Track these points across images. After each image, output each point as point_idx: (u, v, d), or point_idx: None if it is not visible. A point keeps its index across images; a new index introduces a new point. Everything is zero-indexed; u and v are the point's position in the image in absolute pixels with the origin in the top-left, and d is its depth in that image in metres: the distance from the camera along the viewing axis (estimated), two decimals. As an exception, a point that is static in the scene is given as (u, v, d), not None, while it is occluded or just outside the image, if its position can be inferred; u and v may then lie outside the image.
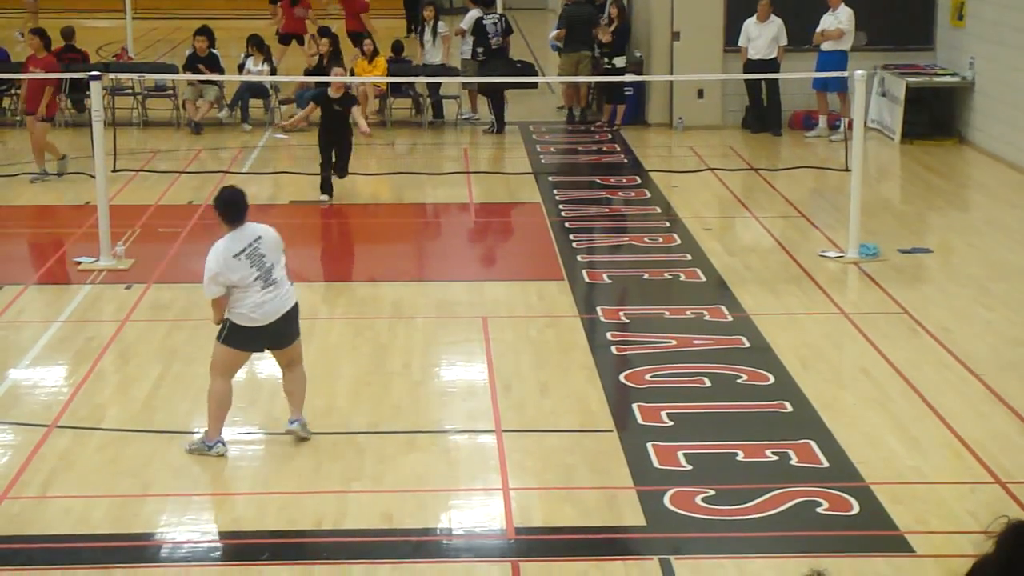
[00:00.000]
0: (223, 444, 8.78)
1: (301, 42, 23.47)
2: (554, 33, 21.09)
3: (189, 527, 7.90)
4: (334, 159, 15.74)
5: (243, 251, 8.64)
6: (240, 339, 8.74)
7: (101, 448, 8.95)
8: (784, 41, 19.21)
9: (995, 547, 4.01)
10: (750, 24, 19.31)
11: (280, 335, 8.84)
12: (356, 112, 15.72)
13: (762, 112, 19.66)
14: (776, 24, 19.21)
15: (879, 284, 12.50)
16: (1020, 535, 4.03)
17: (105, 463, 8.72)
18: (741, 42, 19.39)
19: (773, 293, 12.29)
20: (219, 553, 7.69)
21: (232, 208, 8.75)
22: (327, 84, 15.67)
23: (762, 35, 19.24)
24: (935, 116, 19.01)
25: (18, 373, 10.44)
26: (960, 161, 18.09)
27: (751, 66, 19.12)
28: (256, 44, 20.38)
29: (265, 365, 10.70)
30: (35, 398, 9.98)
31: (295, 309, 8.87)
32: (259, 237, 8.74)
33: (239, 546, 7.74)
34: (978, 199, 16.58)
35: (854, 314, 11.67)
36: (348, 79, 16.79)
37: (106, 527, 7.87)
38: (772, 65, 19.02)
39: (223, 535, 7.87)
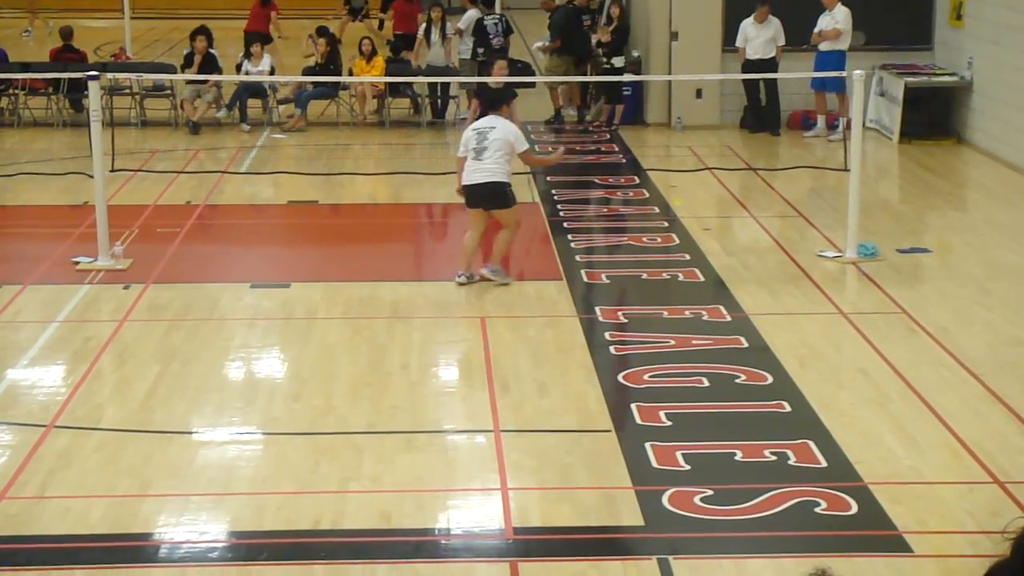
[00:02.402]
0: (460, 275, 12.23)
1: (266, 41, 23.17)
2: (542, 44, 20.80)
3: (187, 527, 7.89)
4: None
5: (478, 129, 12.18)
6: (466, 196, 12.26)
7: (99, 448, 8.94)
8: (782, 41, 19.20)
9: (1012, 550, 3.96)
10: (747, 25, 19.30)
11: (482, 199, 12.16)
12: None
13: (760, 112, 19.65)
14: (774, 24, 19.19)
15: (877, 284, 12.50)
16: None
17: (103, 463, 8.70)
18: (739, 43, 19.37)
19: (771, 293, 12.28)
20: (217, 553, 7.66)
21: (487, 101, 12.71)
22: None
23: (760, 35, 19.22)
24: (933, 116, 19.00)
25: (16, 373, 10.43)
26: (958, 161, 18.08)
27: (749, 66, 19.10)
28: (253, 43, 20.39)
29: (262, 365, 10.73)
30: (33, 398, 9.96)
31: (494, 186, 12.04)
32: (495, 127, 12.08)
33: (237, 546, 7.72)
34: (976, 199, 16.57)
35: (852, 314, 11.66)
36: (506, 78, 16.30)
37: (104, 527, 7.85)
38: (770, 65, 19.01)
39: (221, 535, 7.86)
